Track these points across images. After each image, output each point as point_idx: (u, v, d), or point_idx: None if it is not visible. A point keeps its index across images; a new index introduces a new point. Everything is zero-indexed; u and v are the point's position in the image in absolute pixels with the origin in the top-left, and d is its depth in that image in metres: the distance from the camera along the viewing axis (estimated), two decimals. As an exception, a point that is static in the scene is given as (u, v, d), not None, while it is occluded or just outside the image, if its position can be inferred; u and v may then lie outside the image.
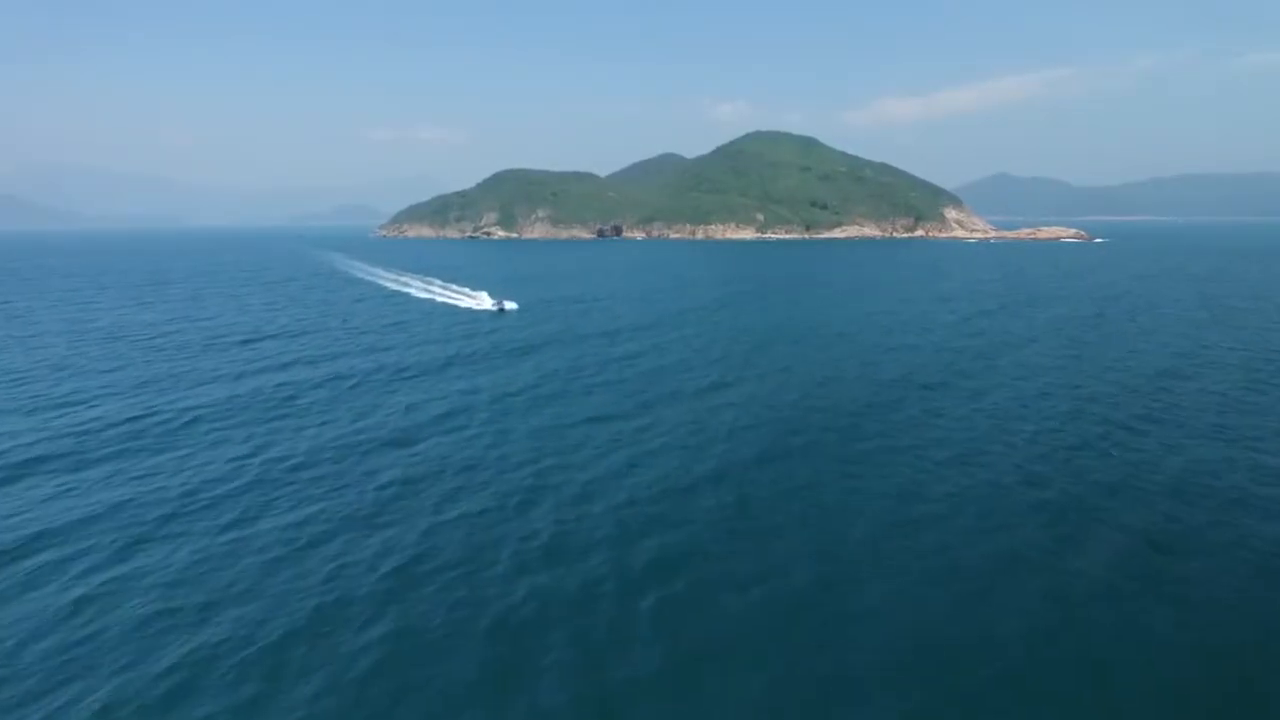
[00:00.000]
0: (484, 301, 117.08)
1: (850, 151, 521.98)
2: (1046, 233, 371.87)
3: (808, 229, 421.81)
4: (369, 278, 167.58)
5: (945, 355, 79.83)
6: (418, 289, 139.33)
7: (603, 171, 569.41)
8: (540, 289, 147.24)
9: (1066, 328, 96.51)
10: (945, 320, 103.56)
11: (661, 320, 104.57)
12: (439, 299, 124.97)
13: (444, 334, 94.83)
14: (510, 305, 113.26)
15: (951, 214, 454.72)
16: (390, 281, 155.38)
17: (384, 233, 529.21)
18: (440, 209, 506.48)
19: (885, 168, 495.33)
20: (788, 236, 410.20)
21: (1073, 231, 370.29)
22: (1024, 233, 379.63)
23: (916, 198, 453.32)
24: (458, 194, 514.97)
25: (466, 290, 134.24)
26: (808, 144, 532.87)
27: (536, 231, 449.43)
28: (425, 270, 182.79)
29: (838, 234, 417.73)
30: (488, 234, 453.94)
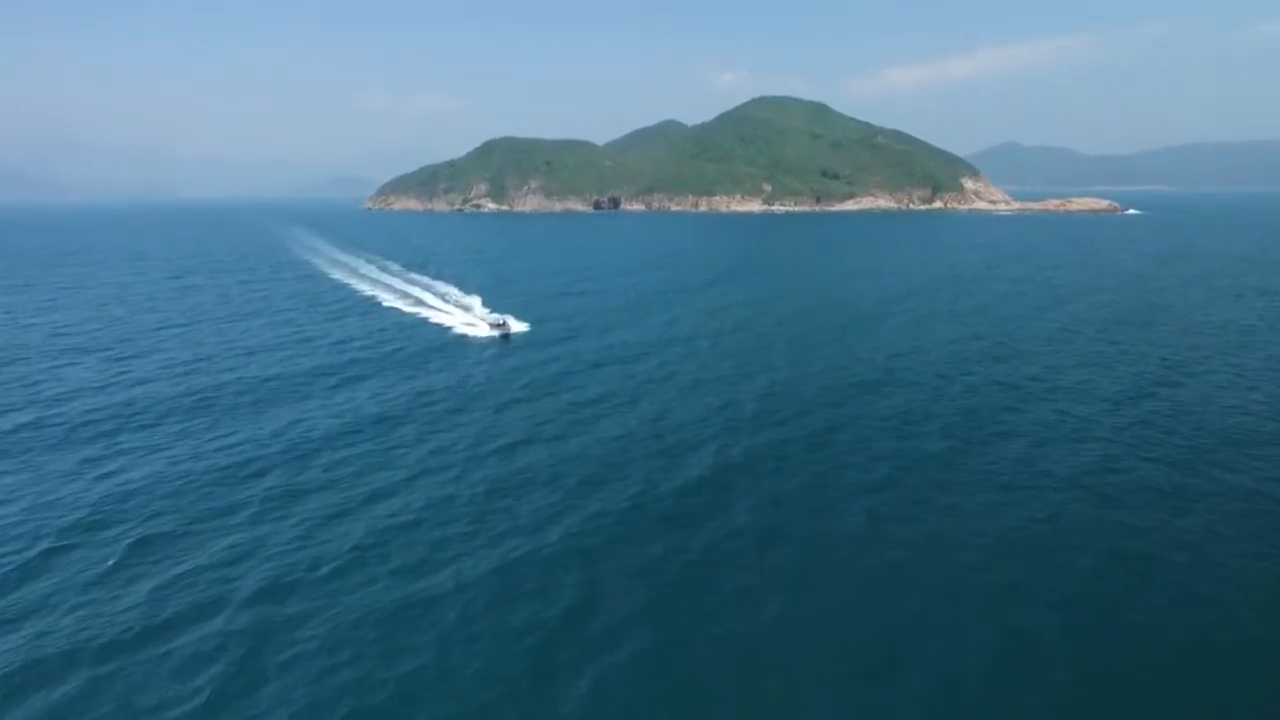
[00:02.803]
0: (480, 323, 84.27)
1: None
2: (1077, 204, 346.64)
3: (818, 201, 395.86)
4: (337, 275, 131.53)
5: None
6: (395, 295, 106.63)
7: (600, 140, 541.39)
8: (543, 287, 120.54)
9: None
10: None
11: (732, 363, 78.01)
12: (420, 315, 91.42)
13: (421, 402, 56.20)
14: (515, 327, 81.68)
15: (970, 184, 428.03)
16: (363, 283, 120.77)
17: (370, 205, 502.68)
18: (428, 180, 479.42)
19: (900, 135, 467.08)
20: (797, 209, 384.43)
21: (1105, 204, 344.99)
22: (1052, 204, 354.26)
23: (934, 167, 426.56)
24: (447, 164, 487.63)
25: (456, 294, 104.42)
26: (818, 110, 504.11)
27: (529, 204, 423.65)
28: (405, 258, 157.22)
29: (850, 206, 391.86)
30: (477, 206, 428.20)
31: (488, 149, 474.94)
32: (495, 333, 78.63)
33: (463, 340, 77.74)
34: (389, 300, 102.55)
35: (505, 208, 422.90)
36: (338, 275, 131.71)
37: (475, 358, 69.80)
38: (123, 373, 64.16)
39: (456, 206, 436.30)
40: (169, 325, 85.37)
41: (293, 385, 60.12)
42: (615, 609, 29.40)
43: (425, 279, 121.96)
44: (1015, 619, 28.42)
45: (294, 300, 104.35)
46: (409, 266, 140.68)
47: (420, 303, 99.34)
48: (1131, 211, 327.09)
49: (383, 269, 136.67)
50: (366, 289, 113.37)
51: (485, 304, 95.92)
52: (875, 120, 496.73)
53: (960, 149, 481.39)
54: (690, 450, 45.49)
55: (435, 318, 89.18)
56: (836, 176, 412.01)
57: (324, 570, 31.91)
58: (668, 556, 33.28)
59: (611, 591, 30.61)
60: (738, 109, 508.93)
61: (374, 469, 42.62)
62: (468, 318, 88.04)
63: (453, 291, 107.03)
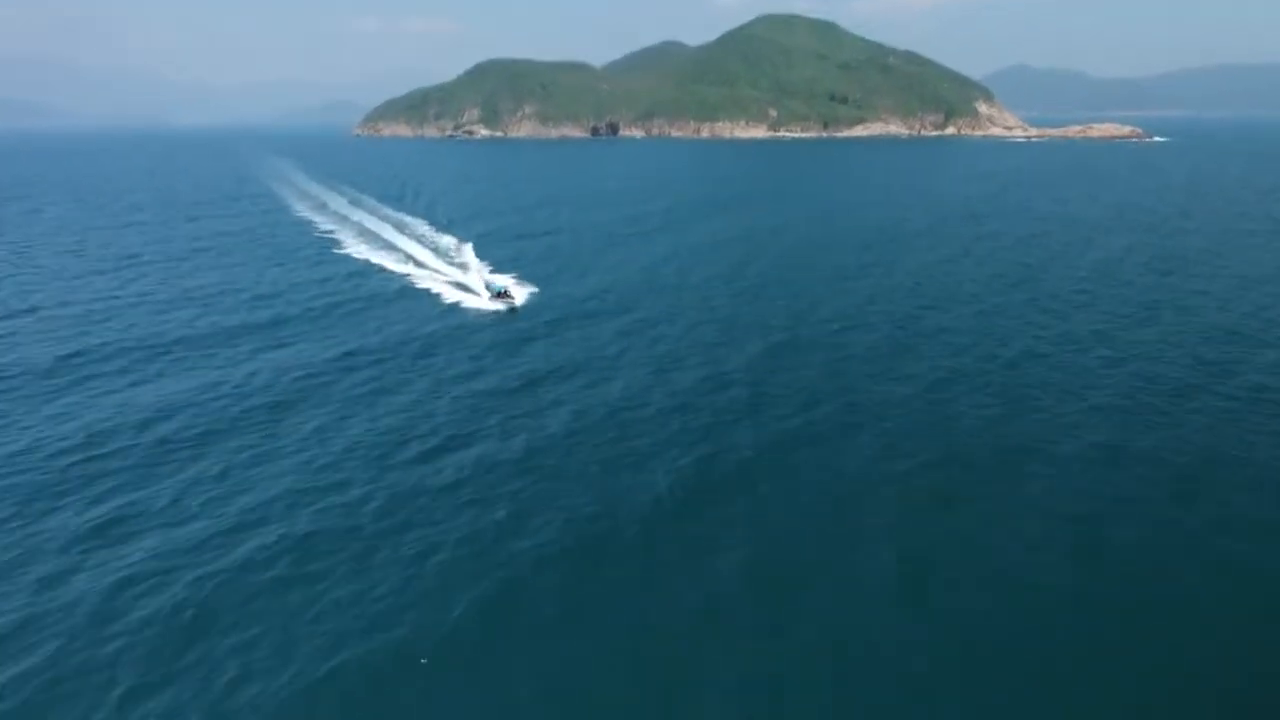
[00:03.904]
0: (480, 287, 66.59)
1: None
2: (1098, 130, 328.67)
3: (826, 126, 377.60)
4: (314, 217, 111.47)
5: None
6: (378, 246, 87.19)
7: (597, 62, 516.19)
8: (548, 238, 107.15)
9: None
10: None
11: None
12: (407, 277, 72.35)
13: (418, 409, 40.41)
14: (520, 295, 63.85)
15: (984, 109, 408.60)
16: (343, 232, 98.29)
17: (359, 131, 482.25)
18: (418, 104, 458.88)
19: (911, 56, 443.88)
20: (804, 135, 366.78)
21: (1128, 130, 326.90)
22: (1072, 130, 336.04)
23: (947, 90, 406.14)
24: (437, 88, 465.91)
25: (450, 243, 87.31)
26: (825, 28, 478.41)
27: (523, 130, 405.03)
28: (392, 197, 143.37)
29: (859, 132, 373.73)
30: (469, 133, 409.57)
31: (480, 71, 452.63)
32: (500, 305, 60.50)
33: (459, 316, 59.01)
34: (375, 256, 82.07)
35: (499, 134, 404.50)
36: (305, 213, 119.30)
37: (476, 344, 53.46)
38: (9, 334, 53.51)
39: (448, 133, 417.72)
40: (89, 273, 74.04)
41: (201, 355, 49.34)
42: None
43: (416, 231, 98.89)
44: None
45: (249, 246, 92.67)
46: (398, 208, 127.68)
47: (408, 257, 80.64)
48: (1158, 139, 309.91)
49: (372, 212, 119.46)
50: (341, 234, 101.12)
51: (480, 258, 79.03)
52: (886, 41, 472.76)
53: (969, 72, 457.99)
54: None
55: (425, 281, 69.93)
56: (845, 100, 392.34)
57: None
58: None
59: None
60: (741, 28, 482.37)
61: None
62: (462, 275, 71.43)
63: (443, 240, 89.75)
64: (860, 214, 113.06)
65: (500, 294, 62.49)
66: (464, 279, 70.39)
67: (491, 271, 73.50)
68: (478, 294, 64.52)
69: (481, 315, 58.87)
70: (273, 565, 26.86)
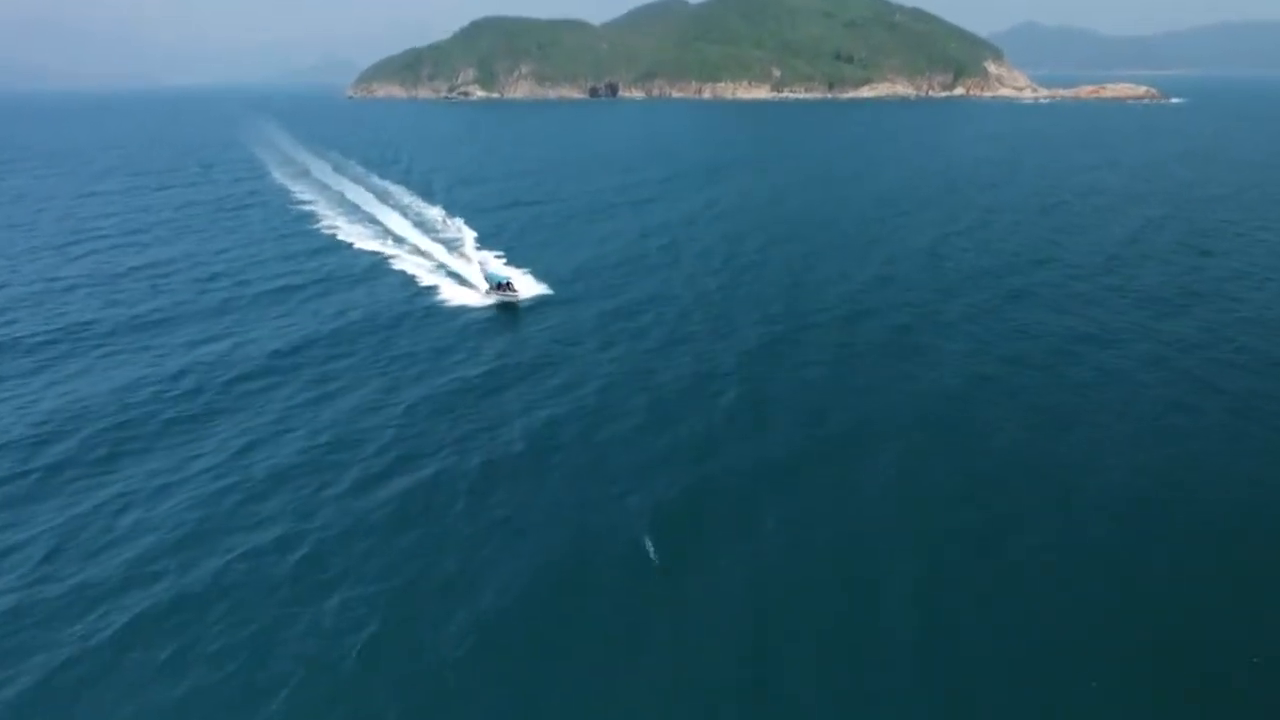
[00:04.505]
0: (477, 277, 57.24)
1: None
2: (1112, 90, 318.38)
3: (831, 87, 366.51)
4: (293, 186, 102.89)
5: None
6: (357, 218, 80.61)
7: (596, 20, 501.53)
8: (535, 208, 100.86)
9: None
10: None
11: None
12: (380, 254, 65.32)
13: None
14: (523, 290, 53.37)
15: (993, 68, 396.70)
16: (321, 203, 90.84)
17: (352, 93, 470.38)
18: (411, 64, 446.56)
19: (919, 13, 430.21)
20: (808, 96, 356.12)
21: (1143, 90, 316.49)
22: (1085, 90, 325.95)
23: (956, 49, 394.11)
24: (431, 48, 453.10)
25: (438, 217, 79.13)
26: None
27: (520, 90, 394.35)
28: (375, 162, 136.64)
29: (866, 93, 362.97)
30: (465, 94, 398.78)
31: (475, 30, 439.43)
32: (496, 298, 51.71)
33: (428, 299, 53.07)
34: (350, 230, 75.80)
35: (495, 95, 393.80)
36: (283, 181, 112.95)
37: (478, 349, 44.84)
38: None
39: (442, 94, 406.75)
40: (34, 251, 68.26)
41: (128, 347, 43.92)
42: None
43: (401, 202, 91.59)
44: None
45: (219, 218, 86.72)
46: (383, 176, 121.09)
47: (387, 231, 73.80)
48: (1174, 100, 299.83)
49: (356, 180, 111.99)
50: (319, 205, 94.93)
51: (478, 240, 69.41)
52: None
53: (977, 30, 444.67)
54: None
55: (402, 262, 62.47)
56: (851, 60, 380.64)
57: None
58: None
59: None
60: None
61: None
62: (461, 264, 61.50)
63: (430, 213, 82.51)
64: (867, 182, 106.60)
65: (501, 286, 52.21)
66: (450, 260, 62.64)
67: (479, 247, 66.88)
68: (471, 283, 55.99)
69: (465, 308, 51.43)
70: (152, 642, 21.73)
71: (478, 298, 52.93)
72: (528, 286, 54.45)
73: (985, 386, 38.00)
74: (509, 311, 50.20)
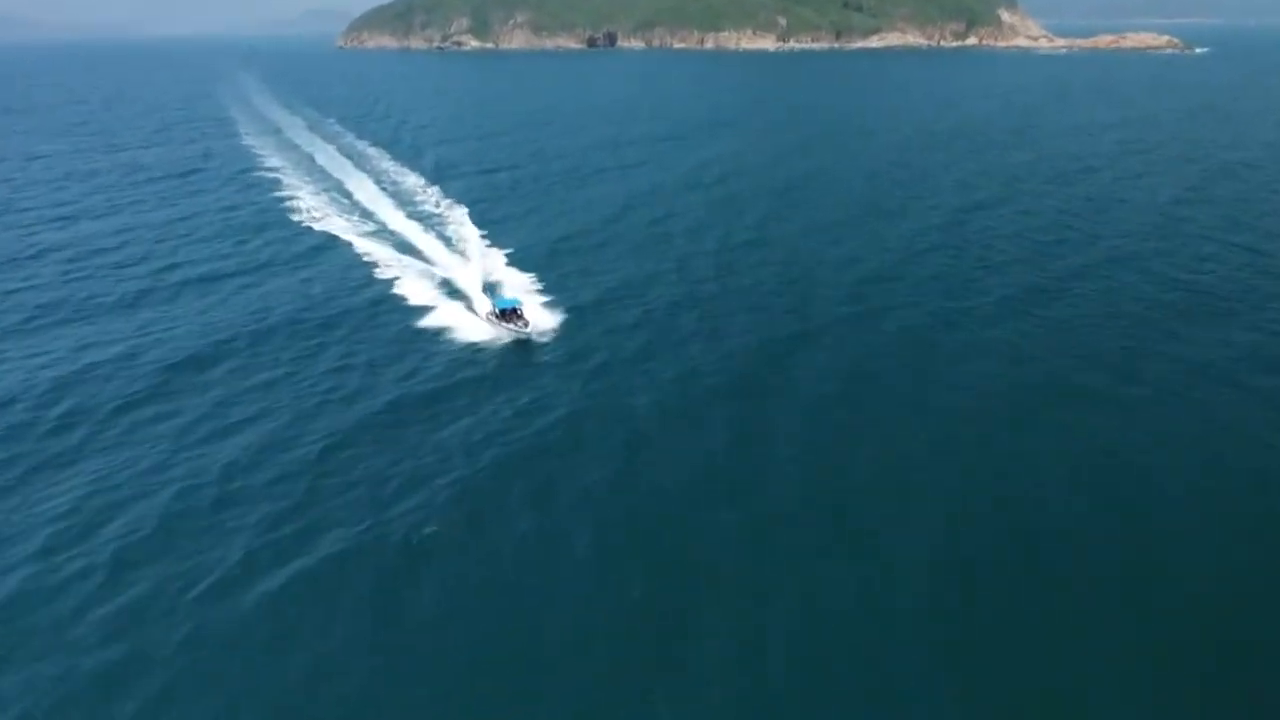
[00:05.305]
0: (476, 293, 44.96)
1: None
2: (1132, 40, 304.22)
3: (838, 37, 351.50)
4: (261, 149, 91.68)
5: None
6: (328, 188, 71.11)
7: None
8: (511, 172, 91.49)
9: None
10: None
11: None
12: (351, 244, 54.12)
13: None
14: (535, 322, 40.42)
15: (1007, 17, 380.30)
16: (289, 170, 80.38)
17: (343, 43, 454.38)
18: (403, 12, 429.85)
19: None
20: (815, 46, 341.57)
21: (1165, 39, 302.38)
22: (1104, 40, 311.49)
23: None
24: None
25: (435, 211, 63.19)
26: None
27: (515, 41, 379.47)
28: (354, 118, 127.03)
29: (874, 43, 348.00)
30: (458, 44, 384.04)
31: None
32: (507, 330, 39.24)
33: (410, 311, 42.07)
34: (313, 199, 68.15)
35: (489, 45, 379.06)
36: (250, 141, 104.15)
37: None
38: None
39: (435, 44, 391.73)
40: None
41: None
42: None
43: (378, 167, 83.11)
44: None
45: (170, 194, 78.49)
46: (360, 135, 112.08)
47: (356, 205, 65.07)
48: (1198, 50, 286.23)
49: (330, 140, 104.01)
50: (285, 172, 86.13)
51: (481, 235, 56.32)
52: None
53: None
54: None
55: (366, 244, 52.84)
56: (859, 8, 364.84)
57: None
58: None
59: None
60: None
61: None
62: (457, 269, 48.74)
63: (409, 181, 73.87)
64: (879, 142, 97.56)
65: (510, 312, 39.95)
66: (439, 258, 50.67)
67: (489, 246, 53.51)
68: (466, 292, 44.57)
69: (466, 346, 38.63)
70: None
71: (482, 326, 40.31)
72: (538, 314, 41.38)
73: (1030, 419, 30.63)
74: (521, 347, 38.28)
